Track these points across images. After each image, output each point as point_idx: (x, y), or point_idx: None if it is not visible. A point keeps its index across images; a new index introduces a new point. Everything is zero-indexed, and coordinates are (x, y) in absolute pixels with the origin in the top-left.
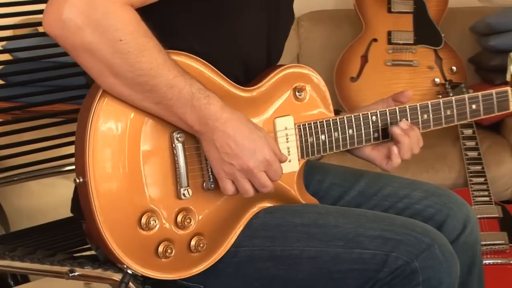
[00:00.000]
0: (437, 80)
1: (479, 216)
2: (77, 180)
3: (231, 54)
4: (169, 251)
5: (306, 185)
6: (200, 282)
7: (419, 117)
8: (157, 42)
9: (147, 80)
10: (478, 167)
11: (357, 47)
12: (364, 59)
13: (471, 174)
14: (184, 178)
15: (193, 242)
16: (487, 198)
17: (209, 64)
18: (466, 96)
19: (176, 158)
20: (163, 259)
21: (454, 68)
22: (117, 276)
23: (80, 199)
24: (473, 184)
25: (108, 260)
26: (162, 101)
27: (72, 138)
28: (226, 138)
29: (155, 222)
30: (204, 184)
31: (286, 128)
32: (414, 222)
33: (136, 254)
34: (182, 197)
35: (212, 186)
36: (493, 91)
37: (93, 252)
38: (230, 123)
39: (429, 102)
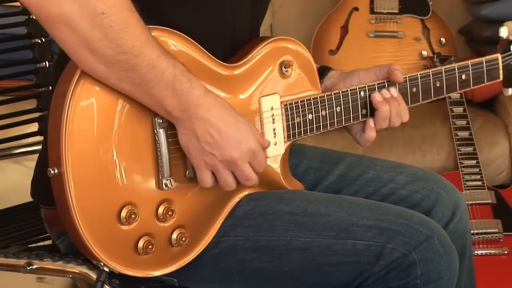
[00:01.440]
0: (425, 53)
1: (470, 202)
2: (52, 171)
3: (218, 27)
4: (150, 246)
5: None
6: (173, 276)
7: (408, 91)
8: (140, 17)
9: (128, 58)
10: (470, 149)
11: (336, 17)
12: (344, 30)
13: (462, 156)
14: (167, 167)
15: (174, 236)
16: (480, 183)
17: (192, 40)
18: (455, 65)
19: (158, 145)
20: (143, 255)
21: (443, 39)
22: (80, 269)
23: (54, 192)
24: (464, 167)
25: (69, 252)
26: (141, 82)
27: (22, 118)
28: (208, 127)
29: (136, 215)
30: (187, 173)
31: (272, 108)
32: (411, 211)
33: (115, 251)
34: (164, 187)
35: (195, 175)
36: (483, 59)
37: (50, 242)
38: (213, 110)
39: (418, 74)
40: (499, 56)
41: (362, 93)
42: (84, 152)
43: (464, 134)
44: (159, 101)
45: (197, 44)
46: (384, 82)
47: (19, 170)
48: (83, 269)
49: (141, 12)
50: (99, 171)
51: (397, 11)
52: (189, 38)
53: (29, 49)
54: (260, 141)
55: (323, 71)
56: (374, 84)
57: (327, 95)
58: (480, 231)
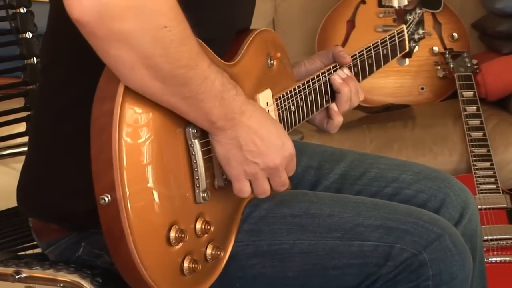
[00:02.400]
0: (436, 48)
1: (484, 206)
2: (105, 199)
3: (229, 35)
4: (195, 265)
5: None
6: None
7: (352, 71)
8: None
9: (186, 72)
10: (484, 150)
11: (343, 11)
12: (351, 24)
13: (475, 158)
14: (203, 180)
15: (208, 251)
16: (494, 186)
17: (202, 42)
18: (379, 40)
19: (193, 157)
20: (188, 276)
21: (455, 34)
22: (71, 277)
23: (104, 221)
24: (477, 169)
25: (61, 259)
26: (193, 95)
27: (9, 117)
28: (251, 134)
29: (184, 233)
30: (216, 182)
31: (267, 104)
32: (419, 210)
33: (167, 277)
34: (202, 201)
35: (225, 183)
36: (395, 31)
37: (40, 250)
38: (254, 116)
39: (356, 53)
40: (404, 27)
41: (323, 78)
42: (134, 175)
43: (477, 134)
44: (206, 112)
45: (205, 45)
46: (336, 65)
47: (7, 173)
48: (74, 278)
49: None
50: (149, 193)
51: (406, 4)
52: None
53: (16, 44)
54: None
55: None
56: (331, 68)
57: (302, 84)
58: (495, 237)
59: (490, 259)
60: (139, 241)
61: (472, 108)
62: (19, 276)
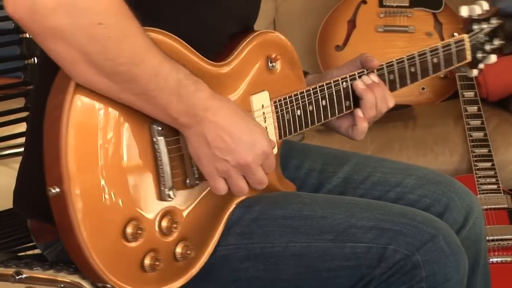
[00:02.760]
0: None
1: (485, 206)
2: (52, 191)
3: (215, 35)
4: (157, 263)
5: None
6: None
7: (386, 78)
8: (139, 25)
9: (129, 69)
10: (485, 150)
11: (343, 11)
12: (352, 24)
13: (476, 158)
14: (169, 177)
15: (178, 250)
16: (495, 186)
17: (181, 40)
18: (427, 49)
19: (158, 154)
20: (149, 273)
21: (456, 34)
22: (71, 278)
23: (55, 213)
24: (478, 169)
25: (59, 260)
26: (143, 92)
27: (9, 117)
28: (219, 131)
29: (142, 230)
30: (187, 181)
31: (263, 106)
32: (413, 210)
33: (122, 271)
34: (167, 198)
35: (197, 182)
36: (451, 40)
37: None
38: (221, 112)
39: (394, 61)
40: (465, 36)
41: (344, 83)
42: (85, 168)
43: (478, 134)
44: (164, 108)
45: (186, 44)
46: (363, 71)
47: (7, 173)
48: (75, 278)
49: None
50: (102, 187)
51: (407, 5)
52: (177, 37)
53: (16, 44)
54: (270, 141)
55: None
56: (355, 74)
57: (312, 89)
58: (496, 237)
59: (491, 260)
60: (89, 235)
61: (473, 108)
62: (20, 276)
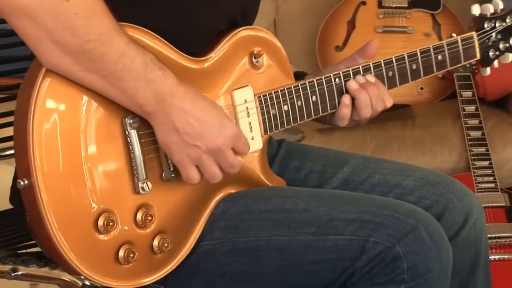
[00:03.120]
0: None
1: (483, 205)
2: (21, 183)
3: (191, 27)
4: (131, 255)
5: (280, 172)
6: (160, 283)
7: (384, 74)
8: (105, 5)
9: (96, 47)
10: (482, 149)
11: (343, 12)
12: (351, 25)
13: (474, 157)
14: (142, 170)
15: (155, 242)
16: (493, 185)
17: (158, 36)
18: (431, 46)
19: (130, 147)
20: (125, 265)
21: (454, 35)
22: (66, 276)
23: (25, 204)
24: (476, 168)
25: None
26: (111, 72)
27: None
28: (186, 116)
29: (114, 223)
30: (163, 175)
31: (246, 101)
32: (397, 202)
33: (95, 262)
34: (141, 191)
35: (173, 175)
36: (458, 37)
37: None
38: (188, 98)
39: (393, 57)
40: (474, 34)
41: (337, 80)
42: (54, 161)
43: (476, 134)
44: (131, 94)
45: (164, 40)
46: (358, 67)
47: (11, 172)
48: (69, 276)
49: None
50: (71, 179)
51: (406, 6)
52: (155, 34)
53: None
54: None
55: (300, 76)
56: (349, 70)
57: (301, 85)
58: (494, 235)
59: (489, 257)
60: (58, 227)
61: (471, 108)
62: (16, 273)
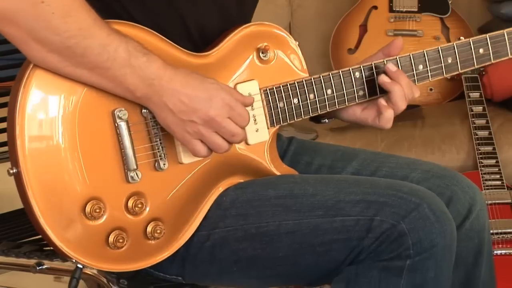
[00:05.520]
0: None
1: (490, 201)
2: (11, 171)
3: (183, 22)
4: (120, 240)
5: (291, 167)
6: (177, 274)
7: (414, 68)
8: (84, 1)
9: (78, 42)
10: (489, 148)
11: (355, 16)
12: (363, 28)
13: (481, 156)
14: (132, 160)
15: (149, 229)
16: (499, 182)
17: (156, 33)
18: (470, 39)
19: (120, 138)
20: (115, 250)
21: (462, 38)
22: (90, 270)
23: (18, 191)
24: (483, 166)
25: None
26: (97, 65)
27: None
28: (177, 95)
29: (100, 209)
30: (156, 164)
31: (249, 94)
32: (401, 183)
33: (85, 247)
34: (131, 180)
35: (165, 165)
36: (504, 31)
37: None
38: (176, 78)
39: (424, 51)
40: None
41: (357, 73)
42: (42, 151)
43: (483, 133)
44: (120, 82)
45: (163, 37)
46: (382, 60)
47: None
48: (92, 270)
49: (97, 8)
50: (60, 168)
51: (416, 10)
52: (152, 31)
53: None
54: (236, 96)
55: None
56: (371, 64)
57: (314, 78)
58: (500, 230)
59: (495, 252)
60: (45, 213)
61: (478, 108)
62: (41, 267)
